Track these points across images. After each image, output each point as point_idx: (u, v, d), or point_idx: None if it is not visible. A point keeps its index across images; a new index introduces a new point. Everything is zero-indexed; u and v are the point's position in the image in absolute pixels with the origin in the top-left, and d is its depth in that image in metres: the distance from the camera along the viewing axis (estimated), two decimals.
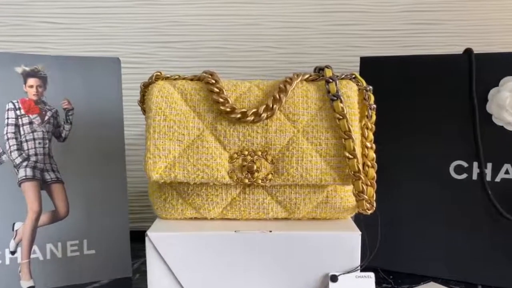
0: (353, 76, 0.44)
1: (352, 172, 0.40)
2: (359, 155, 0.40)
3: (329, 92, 0.41)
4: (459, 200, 0.53)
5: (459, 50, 0.55)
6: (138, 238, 0.53)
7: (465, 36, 0.70)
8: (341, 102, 0.40)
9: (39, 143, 0.51)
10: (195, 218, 0.44)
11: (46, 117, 0.51)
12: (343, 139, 0.40)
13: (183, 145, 0.40)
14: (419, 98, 0.53)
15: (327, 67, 0.43)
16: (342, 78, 0.43)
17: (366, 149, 0.43)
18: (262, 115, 0.40)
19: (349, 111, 0.40)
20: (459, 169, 0.52)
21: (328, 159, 0.40)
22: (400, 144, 0.54)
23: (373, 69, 0.54)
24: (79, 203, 0.53)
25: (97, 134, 0.54)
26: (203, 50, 0.73)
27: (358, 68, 0.56)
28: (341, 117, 0.40)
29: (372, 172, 0.42)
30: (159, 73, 0.44)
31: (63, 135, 0.52)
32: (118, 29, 0.72)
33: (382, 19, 0.71)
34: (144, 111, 0.44)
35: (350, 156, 0.39)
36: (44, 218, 0.52)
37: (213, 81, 0.41)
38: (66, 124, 0.52)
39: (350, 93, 0.41)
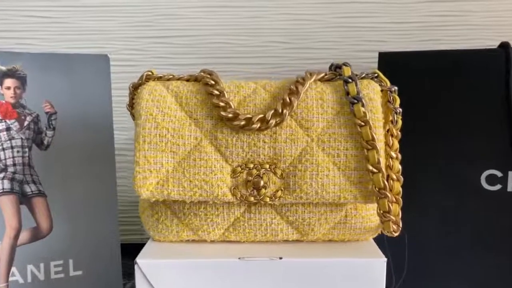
0: (375, 74, 0.39)
1: (377, 189, 0.35)
2: (384, 168, 0.35)
3: (348, 94, 0.36)
4: (491, 214, 0.48)
5: (487, 44, 0.50)
6: (130, 253, 0.48)
7: (493, 29, 0.66)
8: (362, 105, 0.35)
9: (18, 151, 0.48)
10: (193, 241, 0.40)
11: (26, 122, 0.48)
12: (365, 150, 0.35)
13: (177, 157, 0.36)
14: (446, 99, 0.48)
15: (344, 64, 0.38)
16: (363, 77, 0.38)
17: (390, 160, 0.38)
18: (270, 121, 0.35)
19: (372, 116, 0.36)
20: (491, 179, 0.47)
21: (348, 173, 0.35)
22: (423, 150, 0.49)
23: (394, 65, 0.49)
24: (63, 219, 0.50)
25: (84, 140, 0.50)
26: (202, 46, 0.69)
27: (372, 65, 0.51)
28: (363, 123, 0.35)
29: (398, 187, 0.38)
30: (150, 73, 0.39)
31: (45, 142, 0.49)
32: (107, 23, 0.68)
33: (400, 10, 0.67)
34: (133, 116, 0.40)
35: (374, 170, 0.35)
36: (24, 236, 0.48)
37: (212, 82, 0.37)
38: (48, 130, 0.49)
39: (373, 95, 0.36)
